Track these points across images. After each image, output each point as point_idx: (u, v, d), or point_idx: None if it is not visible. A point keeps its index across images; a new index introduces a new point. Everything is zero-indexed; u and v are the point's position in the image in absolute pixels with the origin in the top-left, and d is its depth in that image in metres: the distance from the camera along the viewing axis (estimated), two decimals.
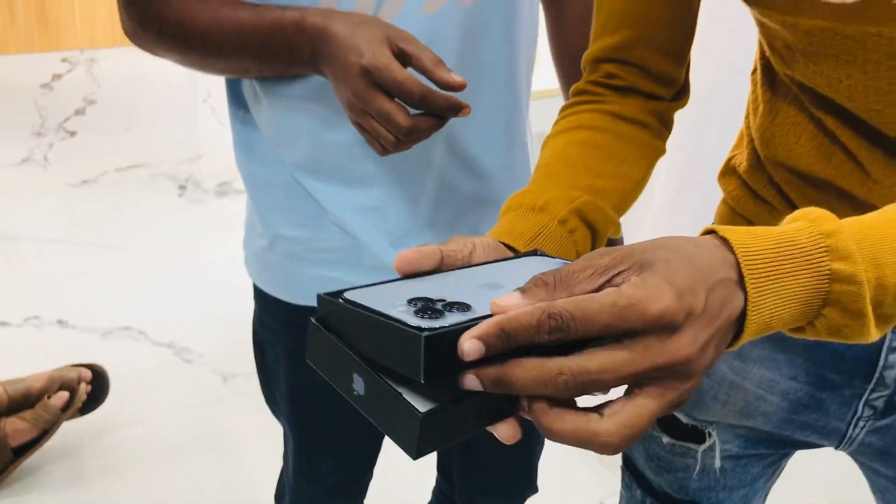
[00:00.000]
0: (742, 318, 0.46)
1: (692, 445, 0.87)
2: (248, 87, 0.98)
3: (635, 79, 0.75)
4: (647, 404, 0.42)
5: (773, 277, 0.46)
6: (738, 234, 0.47)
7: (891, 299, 0.48)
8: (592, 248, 0.67)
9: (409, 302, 0.45)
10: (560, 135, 0.74)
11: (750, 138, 0.83)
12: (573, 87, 0.79)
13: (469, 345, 0.41)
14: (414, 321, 0.42)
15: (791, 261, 0.46)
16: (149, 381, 2.32)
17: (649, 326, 0.41)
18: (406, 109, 0.77)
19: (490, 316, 0.42)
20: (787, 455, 0.90)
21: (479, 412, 0.44)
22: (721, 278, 0.45)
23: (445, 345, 0.41)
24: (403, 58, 0.78)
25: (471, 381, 0.42)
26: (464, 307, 0.44)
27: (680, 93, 0.79)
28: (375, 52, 0.76)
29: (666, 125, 0.79)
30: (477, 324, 0.41)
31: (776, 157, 0.77)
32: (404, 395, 0.42)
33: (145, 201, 3.48)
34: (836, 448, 0.84)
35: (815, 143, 0.73)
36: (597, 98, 0.76)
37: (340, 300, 0.46)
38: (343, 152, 0.94)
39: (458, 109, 0.77)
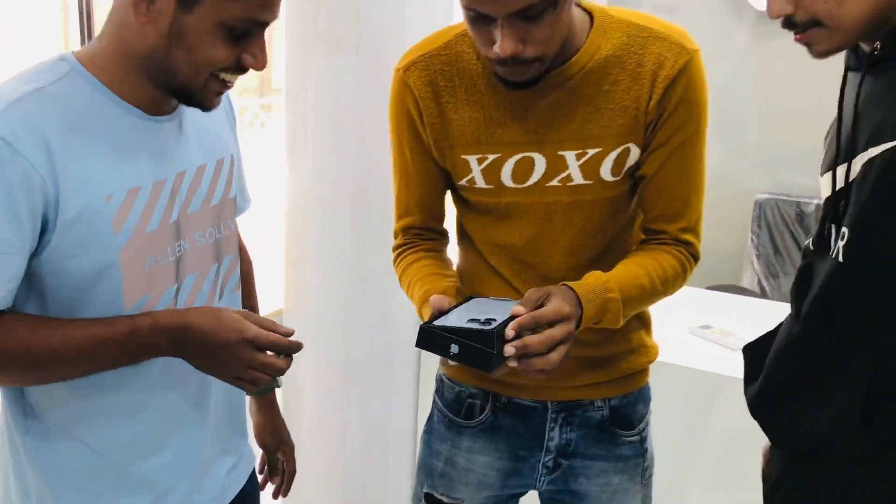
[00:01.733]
0: (578, 321, 1.10)
1: None
2: (41, 393, 1.06)
3: (430, 234, 1.37)
4: (565, 348, 1.06)
5: (589, 300, 1.11)
6: (573, 284, 1.12)
7: (626, 306, 1.16)
8: None
9: (469, 321, 1.06)
10: (412, 265, 1.32)
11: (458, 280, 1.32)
12: (395, 244, 1.36)
13: (508, 331, 1.03)
14: (481, 327, 1.04)
15: (593, 293, 1.13)
16: None
17: (565, 317, 1.06)
18: (277, 356, 1.08)
19: (508, 321, 1.05)
20: None
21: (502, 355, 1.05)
22: (575, 299, 1.10)
23: (498, 334, 1.03)
24: None
25: (509, 350, 1.03)
26: (492, 320, 1.06)
27: (447, 235, 1.40)
28: (249, 327, 1.04)
29: (446, 250, 1.40)
30: (504, 325, 1.04)
31: (473, 291, 1.26)
32: (482, 347, 1.03)
33: None
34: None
35: (492, 279, 1.25)
36: (413, 245, 1.35)
37: (433, 326, 1.06)
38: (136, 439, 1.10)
39: (300, 348, 1.09)
